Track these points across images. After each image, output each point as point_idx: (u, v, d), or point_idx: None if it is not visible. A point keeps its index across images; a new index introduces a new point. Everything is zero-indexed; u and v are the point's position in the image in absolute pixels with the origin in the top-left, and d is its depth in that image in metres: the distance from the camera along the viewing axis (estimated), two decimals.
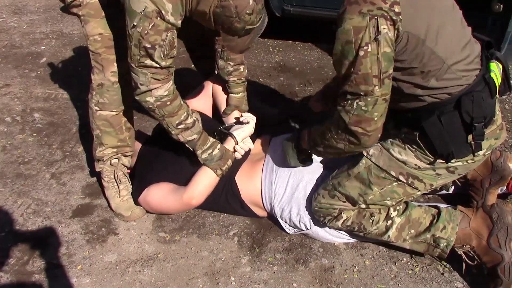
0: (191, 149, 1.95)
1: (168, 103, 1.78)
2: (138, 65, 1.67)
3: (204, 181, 1.96)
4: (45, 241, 1.97)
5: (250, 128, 2.11)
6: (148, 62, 1.66)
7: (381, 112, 1.50)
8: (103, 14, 1.84)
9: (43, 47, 3.72)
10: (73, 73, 3.33)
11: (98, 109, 1.99)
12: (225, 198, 2.03)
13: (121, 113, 2.03)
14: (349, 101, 1.50)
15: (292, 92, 3.14)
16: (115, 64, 1.91)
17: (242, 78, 2.28)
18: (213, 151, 1.96)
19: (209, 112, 2.36)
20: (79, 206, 2.17)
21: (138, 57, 1.65)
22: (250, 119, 2.14)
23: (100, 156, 2.08)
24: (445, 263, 1.87)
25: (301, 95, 3.16)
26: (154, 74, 1.70)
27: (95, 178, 2.32)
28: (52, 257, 1.90)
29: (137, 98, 1.79)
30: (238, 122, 2.14)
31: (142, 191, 2.04)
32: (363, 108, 1.48)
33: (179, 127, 1.86)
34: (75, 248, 1.95)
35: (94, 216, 2.11)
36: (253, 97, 2.54)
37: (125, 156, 2.12)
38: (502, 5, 1.74)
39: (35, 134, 2.66)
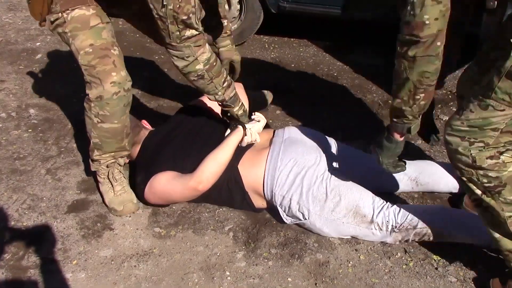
0: (230, 107, 2.05)
1: (214, 63, 1.88)
2: (181, 41, 1.73)
3: (212, 167, 1.97)
4: (40, 237, 1.97)
5: (259, 125, 2.15)
6: (189, 33, 1.72)
7: (434, 15, 1.36)
8: (91, 24, 1.83)
9: (38, 44, 3.71)
10: (68, 69, 3.32)
11: (100, 121, 1.95)
12: (227, 186, 2.04)
13: (123, 123, 2.00)
14: (400, 25, 1.43)
15: (288, 88, 3.15)
16: (114, 73, 1.86)
17: (228, 31, 2.37)
18: (244, 107, 2.10)
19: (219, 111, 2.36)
20: (75, 202, 2.17)
21: (178, 33, 1.70)
22: (261, 118, 2.17)
23: (96, 159, 2.08)
24: (438, 258, 1.88)
25: (296, 91, 3.17)
26: (195, 42, 1.77)
27: (90, 174, 2.32)
28: (47, 252, 1.90)
29: (185, 71, 1.86)
30: (250, 119, 2.16)
31: (148, 181, 2.03)
32: (411, 13, 1.38)
33: (224, 85, 1.96)
34: (71, 243, 1.95)
35: (89, 212, 2.11)
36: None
37: (122, 157, 2.12)
38: (496, 2, 1.77)
39: (30, 130, 2.65)
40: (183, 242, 1.97)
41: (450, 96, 3.10)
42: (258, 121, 2.15)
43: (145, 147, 2.20)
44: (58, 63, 3.42)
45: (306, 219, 1.95)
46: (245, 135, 2.08)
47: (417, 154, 2.52)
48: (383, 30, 3.70)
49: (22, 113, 2.81)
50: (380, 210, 1.91)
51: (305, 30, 4.02)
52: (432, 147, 2.57)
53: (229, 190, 2.04)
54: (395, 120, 1.64)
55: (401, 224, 1.88)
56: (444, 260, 1.87)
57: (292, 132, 2.19)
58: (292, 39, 3.95)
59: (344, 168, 2.11)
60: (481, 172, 1.52)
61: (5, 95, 2.98)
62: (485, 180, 1.53)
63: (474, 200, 1.61)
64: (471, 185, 1.56)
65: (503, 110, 1.40)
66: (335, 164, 2.07)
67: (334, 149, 2.19)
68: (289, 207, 1.97)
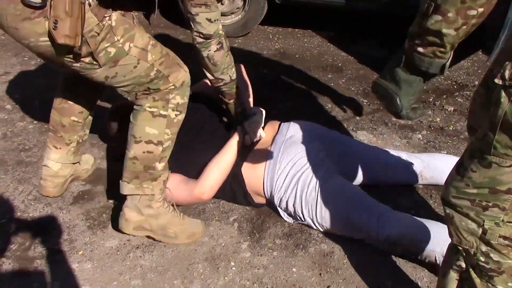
0: (230, 91, 2.02)
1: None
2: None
3: (215, 175, 1.95)
4: (46, 227, 1.99)
5: (258, 119, 2.11)
6: None
7: None
8: (129, 20, 1.62)
9: None
10: None
11: (178, 113, 1.76)
12: (230, 187, 2.03)
13: None
14: None
15: (292, 79, 3.14)
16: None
17: None
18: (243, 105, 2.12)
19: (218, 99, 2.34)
20: (80, 193, 2.18)
21: None
22: (258, 111, 2.15)
23: (159, 174, 1.83)
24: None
25: (300, 82, 3.16)
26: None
27: (95, 165, 2.33)
28: (53, 243, 1.92)
29: (211, 37, 1.77)
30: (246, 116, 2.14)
31: None
32: None
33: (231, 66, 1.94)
34: (76, 234, 1.96)
35: (95, 202, 2.12)
36: (252, 84, 2.55)
37: None
38: None
39: (35, 122, 2.66)
40: None
41: (455, 86, 3.09)
42: (255, 114, 2.12)
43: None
44: None
45: (303, 220, 1.96)
46: (247, 133, 2.06)
47: (421, 146, 2.52)
48: (387, 21, 3.69)
49: (27, 104, 2.81)
50: (372, 222, 1.84)
51: (309, 21, 4.01)
52: (437, 138, 2.57)
53: (232, 191, 2.04)
54: (421, 51, 1.17)
55: (392, 238, 1.81)
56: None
57: (296, 130, 2.16)
58: (296, 30, 3.93)
59: (348, 165, 2.12)
60: (483, 248, 1.21)
61: (10, 87, 2.98)
62: (482, 259, 1.22)
63: (458, 267, 1.31)
64: (463, 255, 1.27)
65: (510, 166, 1.10)
66: (334, 167, 2.05)
67: (338, 146, 2.16)
68: (287, 209, 1.98)
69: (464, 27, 1.08)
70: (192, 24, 1.73)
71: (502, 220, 1.16)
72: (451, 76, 3.21)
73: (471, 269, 1.27)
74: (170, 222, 1.87)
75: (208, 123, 2.19)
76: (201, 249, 1.91)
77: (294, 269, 1.82)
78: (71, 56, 1.52)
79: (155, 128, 1.73)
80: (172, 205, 1.92)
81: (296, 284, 1.76)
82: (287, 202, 1.96)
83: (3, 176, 2.25)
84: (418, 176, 2.19)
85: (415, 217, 1.88)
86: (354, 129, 2.65)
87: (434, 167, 2.18)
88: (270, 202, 2.05)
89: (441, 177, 2.18)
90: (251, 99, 2.31)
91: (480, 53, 3.52)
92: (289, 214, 2.00)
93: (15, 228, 1.97)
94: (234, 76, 1.98)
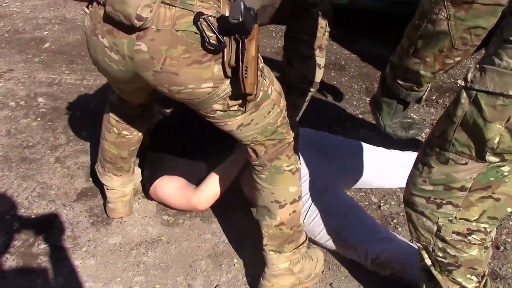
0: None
1: None
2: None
3: (215, 188, 1.95)
4: (50, 224, 1.99)
5: None
6: None
7: None
8: None
9: (46, 32, 3.72)
10: (77, 58, 3.34)
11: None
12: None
13: None
14: None
15: None
16: None
17: None
18: None
19: None
20: (83, 190, 2.19)
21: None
22: None
23: (303, 227, 1.72)
24: None
25: None
26: None
27: None
28: (57, 239, 1.93)
29: None
30: None
31: (153, 182, 2.04)
32: None
33: None
34: (80, 230, 1.97)
35: (98, 199, 2.13)
36: None
37: None
38: None
39: (39, 119, 2.67)
40: (191, 230, 1.99)
41: (458, 85, 3.08)
42: None
43: (155, 135, 2.20)
44: (66, 52, 3.43)
45: None
46: None
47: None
48: (391, 20, 3.68)
49: (30, 102, 2.82)
50: (364, 241, 1.78)
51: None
52: None
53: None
54: (400, 82, 1.25)
55: (381, 259, 1.74)
56: None
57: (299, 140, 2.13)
58: None
59: (346, 170, 2.10)
60: (440, 244, 1.28)
61: (14, 84, 2.99)
62: (440, 254, 1.29)
63: (422, 266, 1.37)
64: (423, 252, 1.33)
65: (465, 163, 1.14)
66: (330, 176, 2.01)
67: (341, 155, 2.12)
68: None
69: (441, 71, 1.15)
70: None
71: (455, 217, 1.22)
72: (453, 75, 3.21)
73: (432, 267, 1.33)
74: (311, 267, 1.72)
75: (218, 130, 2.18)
76: (204, 246, 1.91)
77: None
78: (227, 103, 1.36)
79: (296, 185, 1.61)
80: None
81: None
82: None
83: (7, 172, 2.26)
84: None
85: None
86: (356, 127, 2.65)
87: None
88: None
89: None
90: None
91: (484, 51, 3.51)
92: None
93: (19, 225, 1.98)
94: None
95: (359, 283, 1.76)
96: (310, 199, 1.89)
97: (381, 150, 2.23)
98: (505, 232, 1.96)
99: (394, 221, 2.03)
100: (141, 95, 1.69)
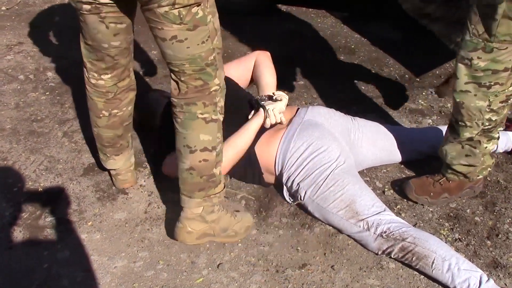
0: None
1: None
2: None
3: (230, 155, 1.95)
4: (56, 197, 2.02)
5: (281, 105, 2.07)
6: None
7: None
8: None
9: (56, 6, 3.71)
10: None
11: (222, 115, 1.72)
12: (242, 163, 2.03)
13: None
14: None
15: (304, 60, 3.13)
16: None
17: None
18: None
19: (243, 83, 2.34)
20: (90, 165, 2.21)
21: None
22: (283, 97, 2.11)
23: (219, 179, 1.78)
24: (447, 233, 1.90)
25: (312, 63, 3.15)
26: None
27: None
28: (63, 213, 1.95)
29: None
30: (271, 98, 2.12)
31: (164, 159, 2.06)
32: None
33: None
34: (86, 205, 2.00)
35: (105, 175, 2.15)
36: None
37: None
38: None
39: (47, 93, 2.68)
40: None
41: None
42: (280, 100, 2.08)
43: (167, 114, 2.19)
44: (75, 26, 3.40)
45: (301, 200, 1.95)
46: (267, 117, 2.04)
47: None
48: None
49: (39, 75, 2.83)
50: (377, 213, 1.81)
51: (323, 1, 3.97)
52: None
53: (243, 167, 2.05)
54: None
55: (392, 232, 1.75)
56: (453, 235, 1.89)
57: (314, 113, 2.13)
58: (309, 10, 3.90)
59: (364, 150, 2.14)
60: (488, 116, 1.80)
61: (23, 57, 3.00)
62: (487, 123, 1.82)
63: (463, 138, 1.87)
64: (469, 129, 1.83)
65: (506, 48, 1.64)
66: (349, 154, 2.04)
67: (355, 133, 2.14)
68: (291, 187, 1.98)
69: None
70: None
71: (499, 91, 1.74)
72: None
73: (476, 136, 1.85)
74: (230, 223, 1.82)
75: (228, 102, 2.18)
76: None
77: (299, 248, 1.84)
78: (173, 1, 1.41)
79: (208, 134, 1.66)
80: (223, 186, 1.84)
81: (300, 262, 1.78)
82: (294, 180, 1.96)
83: (15, 145, 2.28)
84: (433, 149, 2.20)
85: None
86: (363, 111, 2.64)
87: None
88: (278, 182, 2.06)
89: None
90: (275, 85, 2.28)
91: None
92: (291, 194, 2.01)
93: (26, 197, 2.00)
94: None
95: (360, 266, 1.78)
96: (329, 168, 1.92)
97: (390, 126, 2.28)
98: (508, 221, 1.96)
99: (398, 206, 2.04)
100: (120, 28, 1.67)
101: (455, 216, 2.00)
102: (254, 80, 2.33)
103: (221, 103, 1.68)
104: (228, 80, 2.26)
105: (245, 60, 2.36)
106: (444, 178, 2.02)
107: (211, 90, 1.61)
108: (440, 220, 1.98)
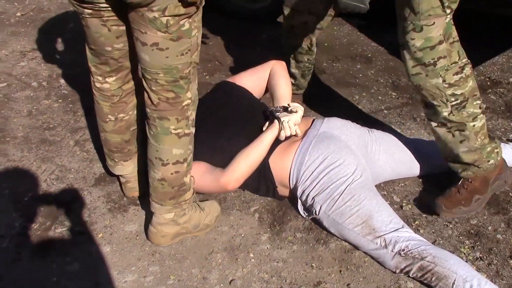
0: None
1: None
2: None
3: (244, 167, 1.92)
4: (67, 208, 1.99)
5: (297, 117, 2.02)
6: None
7: None
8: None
9: (70, 12, 3.70)
10: None
11: (194, 127, 1.74)
12: (255, 176, 1.99)
13: None
14: None
15: (319, 68, 3.08)
16: None
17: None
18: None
19: (257, 93, 2.30)
20: (102, 175, 2.17)
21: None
22: (299, 109, 2.06)
23: (189, 186, 1.81)
24: (468, 251, 1.83)
25: (328, 72, 3.10)
26: None
27: None
28: (73, 224, 1.92)
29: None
30: (286, 110, 2.07)
31: None
32: None
33: None
34: (97, 216, 1.96)
35: (116, 185, 2.11)
36: None
37: None
38: None
39: (60, 100, 2.66)
40: None
41: (488, 83, 2.99)
42: (295, 112, 2.03)
43: None
44: None
45: (316, 214, 1.89)
46: (282, 129, 1.99)
47: None
48: None
49: (53, 82, 2.82)
50: (395, 230, 1.75)
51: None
52: None
53: (256, 180, 2.00)
54: None
55: (410, 250, 1.69)
56: (474, 253, 1.83)
57: (330, 125, 2.07)
58: None
59: (381, 163, 2.07)
60: (449, 91, 1.82)
61: (37, 64, 2.99)
62: (453, 99, 1.84)
63: (442, 120, 1.89)
64: (439, 108, 1.86)
65: (433, 23, 1.71)
66: (366, 168, 1.99)
67: (372, 145, 2.08)
68: (306, 201, 1.92)
69: None
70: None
71: (448, 65, 1.79)
72: (484, 72, 3.11)
73: (450, 115, 1.86)
74: (200, 218, 1.87)
75: (243, 112, 2.15)
76: (220, 238, 1.89)
77: (313, 264, 1.79)
78: (168, 6, 1.39)
79: (181, 148, 1.69)
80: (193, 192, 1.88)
81: (315, 280, 1.73)
82: (308, 194, 1.91)
83: (27, 154, 2.26)
84: None
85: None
86: (381, 122, 2.58)
87: None
88: (292, 195, 2.01)
89: None
90: (290, 96, 2.24)
91: None
92: (306, 208, 1.95)
93: (36, 207, 1.97)
94: None
95: (377, 285, 1.72)
96: (345, 182, 1.86)
97: (408, 139, 2.24)
98: None
99: (416, 222, 1.98)
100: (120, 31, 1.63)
101: (476, 233, 1.93)
102: (269, 90, 2.29)
103: (193, 116, 1.70)
104: (242, 91, 2.24)
105: (260, 69, 2.32)
106: (463, 179, 1.99)
107: (183, 104, 1.62)
108: (461, 237, 1.91)
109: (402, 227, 1.78)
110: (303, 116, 2.08)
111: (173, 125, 1.63)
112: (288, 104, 2.10)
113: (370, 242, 1.77)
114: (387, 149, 2.10)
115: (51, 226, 1.90)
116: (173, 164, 1.68)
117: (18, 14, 3.64)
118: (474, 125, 1.88)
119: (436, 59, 1.77)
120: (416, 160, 2.13)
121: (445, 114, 1.86)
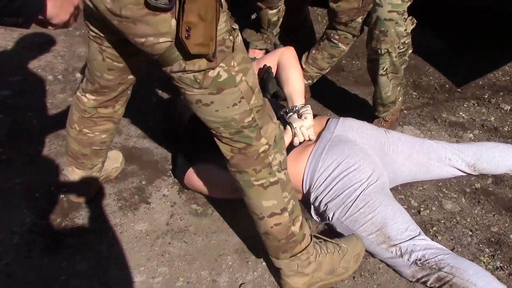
0: None
1: None
2: None
3: None
4: (78, 205, 1.96)
5: (309, 122, 1.95)
6: None
7: None
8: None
9: None
10: None
11: (285, 169, 1.54)
12: None
13: None
14: None
15: (338, 66, 3.01)
16: None
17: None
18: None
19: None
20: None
21: None
22: (308, 114, 1.97)
23: (302, 234, 1.61)
24: (488, 260, 1.76)
25: (347, 69, 3.03)
26: None
27: (131, 144, 2.30)
28: (84, 221, 1.90)
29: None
30: (297, 112, 2.01)
31: (187, 170, 1.98)
32: None
33: None
34: (107, 214, 1.94)
35: (127, 183, 2.09)
36: None
37: None
38: None
39: None
40: (219, 222, 1.93)
41: None
42: (306, 118, 1.96)
43: (190, 126, 2.11)
44: None
45: (329, 220, 1.84)
46: (296, 135, 1.93)
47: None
48: (445, 11, 3.48)
49: (68, 76, 2.80)
50: (411, 238, 1.69)
51: None
52: (490, 139, 2.41)
53: None
54: None
55: (428, 260, 1.63)
56: (494, 262, 1.76)
57: (345, 127, 1.99)
58: None
59: (399, 165, 2.01)
60: (403, 40, 2.16)
61: (53, 57, 2.98)
62: (401, 47, 2.18)
63: (384, 69, 2.20)
64: (386, 56, 2.14)
65: None
66: (383, 171, 1.92)
67: (389, 146, 2.00)
68: (319, 207, 1.87)
69: None
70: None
71: (409, 17, 2.14)
72: (510, 72, 3.01)
73: (395, 59, 2.17)
74: (334, 262, 1.65)
75: None
76: (231, 240, 1.85)
77: None
78: (183, 65, 1.26)
79: (271, 199, 1.49)
80: (324, 239, 1.70)
81: (328, 286, 1.68)
82: (321, 200, 1.85)
83: (40, 149, 2.25)
84: (471, 168, 2.09)
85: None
86: (400, 123, 2.51)
87: (487, 158, 2.08)
88: (305, 199, 1.96)
89: (495, 168, 2.08)
90: (303, 90, 2.16)
91: None
92: (319, 214, 1.90)
93: (48, 204, 1.95)
94: None
95: None
96: (359, 188, 1.80)
97: (426, 141, 2.14)
98: None
99: (434, 228, 1.92)
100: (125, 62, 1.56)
101: (496, 241, 1.86)
102: (278, 83, 2.18)
103: (279, 159, 1.48)
104: None
105: (267, 59, 2.21)
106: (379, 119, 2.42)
107: (259, 152, 1.43)
108: (480, 245, 1.84)
109: (419, 234, 1.71)
110: (317, 115, 2.03)
111: (253, 177, 1.46)
112: (299, 108, 2.02)
113: (385, 251, 1.71)
114: (405, 151, 2.02)
115: (62, 223, 1.88)
116: (269, 217, 1.51)
117: None
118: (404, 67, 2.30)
119: (405, 10, 2.07)
120: (434, 163, 2.06)
121: (393, 60, 2.16)
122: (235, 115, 1.36)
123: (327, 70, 2.46)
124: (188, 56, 1.22)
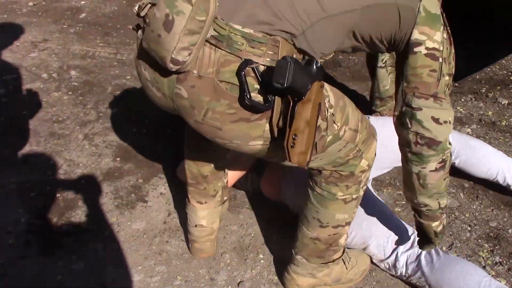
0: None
1: None
2: (446, 93, 1.23)
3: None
4: (74, 204, 1.95)
5: None
6: (448, 79, 1.24)
7: None
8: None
9: (83, 2, 3.66)
10: (112, 31, 3.27)
11: (366, 185, 1.47)
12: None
13: None
14: None
15: (335, 61, 3.00)
16: None
17: None
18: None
19: None
20: (110, 170, 2.13)
21: (447, 79, 1.22)
22: None
23: (342, 246, 1.59)
24: (487, 255, 1.76)
25: (344, 65, 3.02)
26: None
27: (127, 142, 2.28)
28: (80, 220, 1.88)
29: (441, 148, 1.25)
30: None
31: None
32: None
33: None
34: (104, 212, 1.92)
35: (124, 181, 2.07)
36: None
37: None
38: None
39: (70, 93, 2.62)
40: None
41: (511, 78, 2.88)
42: None
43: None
44: (102, 23, 3.36)
45: None
46: None
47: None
48: (441, 5, 3.46)
49: (63, 74, 2.78)
50: (393, 252, 1.66)
51: None
52: (488, 133, 2.40)
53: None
54: None
55: (411, 276, 1.62)
56: (493, 258, 1.75)
57: None
58: None
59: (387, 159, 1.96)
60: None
61: (48, 55, 2.95)
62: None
63: (384, 61, 2.18)
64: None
65: None
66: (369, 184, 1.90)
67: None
68: None
69: None
70: (409, 122, 1.24)
71: None
72: (507, 66, 2.99)
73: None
74: (342, 273, 1.63)
75: None
76: (229, 237, 1.84)
77: None
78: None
79: (346, 213, 1.44)
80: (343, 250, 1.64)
81: None
82: None
83: (35, 147, 2.23)
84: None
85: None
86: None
87: (470, 163, 2.01)
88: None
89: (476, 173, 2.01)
90: None
91: None
92: None
93: (43, 203, 1.94)
94: (444, 205, 1.41)
95: None
96: None
97: None
98: None
99: None
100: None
101: (495, 236, 1.85)
102: None
103: (367, 176, 1.42)
104: None
105: None
106: None
107: (358, 172, 1.37)
108: (479, 240, 1.83)
109: (398, 247, 1.67)
110: None
111: (342, 192, 1.38)
112: None
113: (380, 263, 1.71)
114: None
115: (58, 223, 1.86)
116: (333, 227, 1.46)
117: (30, 4, 3.62)
118: None
119: None
120: None
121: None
122: (340, 155, 1.29)
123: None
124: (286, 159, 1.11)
